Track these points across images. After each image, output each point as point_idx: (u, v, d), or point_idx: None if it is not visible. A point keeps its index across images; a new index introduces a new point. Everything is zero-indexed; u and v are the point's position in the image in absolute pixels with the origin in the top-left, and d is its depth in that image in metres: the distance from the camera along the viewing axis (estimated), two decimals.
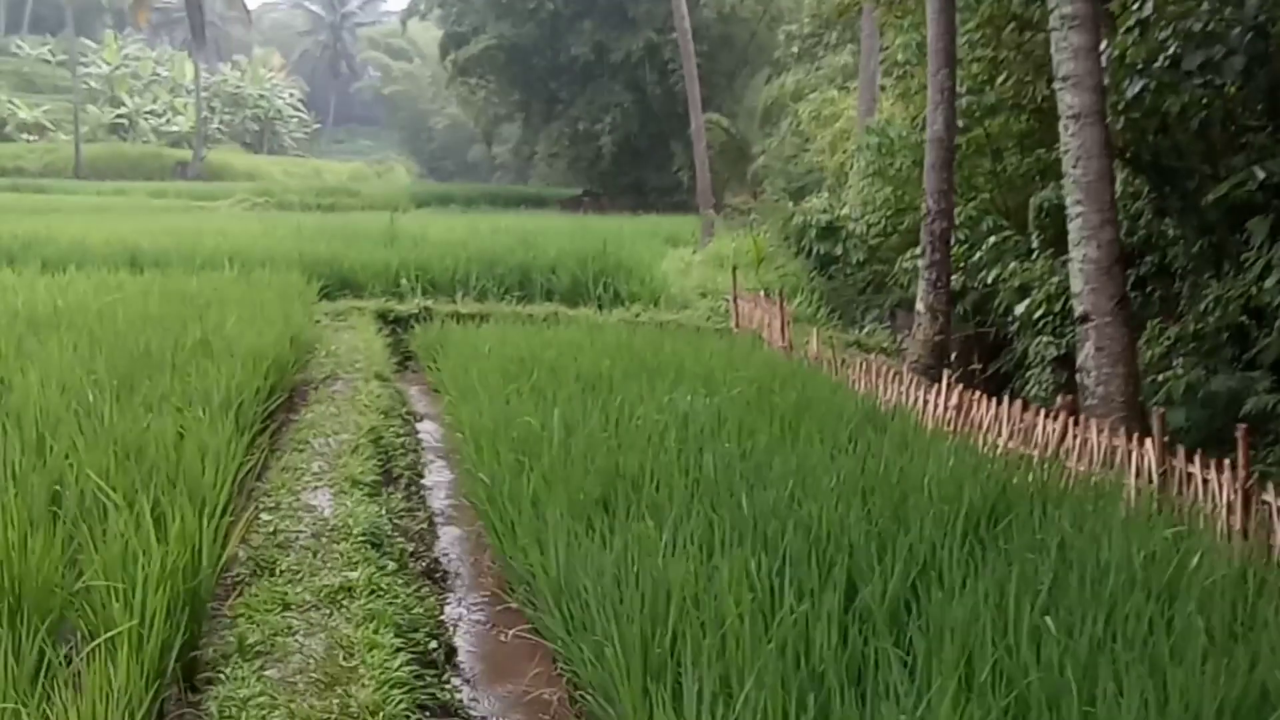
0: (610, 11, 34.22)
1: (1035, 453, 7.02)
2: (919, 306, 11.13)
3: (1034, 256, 12.89)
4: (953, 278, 12.99)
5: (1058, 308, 11.50)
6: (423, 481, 7.80)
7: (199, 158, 46.85)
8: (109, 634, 3.02)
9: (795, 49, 28.64)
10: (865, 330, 14.35)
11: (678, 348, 10.30)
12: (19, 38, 61.54)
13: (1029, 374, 12.14)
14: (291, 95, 64.19)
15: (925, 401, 8.49)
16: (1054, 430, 7.18)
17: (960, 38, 13.59)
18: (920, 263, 11.17)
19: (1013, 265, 12.84)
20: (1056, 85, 7.80)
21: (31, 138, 50.79)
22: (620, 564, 4.47)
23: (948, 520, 5.00)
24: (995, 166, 14.50)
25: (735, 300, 13.11)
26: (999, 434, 7.59)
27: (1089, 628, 3.78)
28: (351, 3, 78.21)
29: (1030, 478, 5.79)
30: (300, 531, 5.15)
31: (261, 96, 60.64)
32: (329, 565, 4.68)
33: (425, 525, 6.66)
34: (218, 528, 4.12)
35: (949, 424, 8.10)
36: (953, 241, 11.55)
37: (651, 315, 13.70)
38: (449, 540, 6.82)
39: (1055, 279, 11.67)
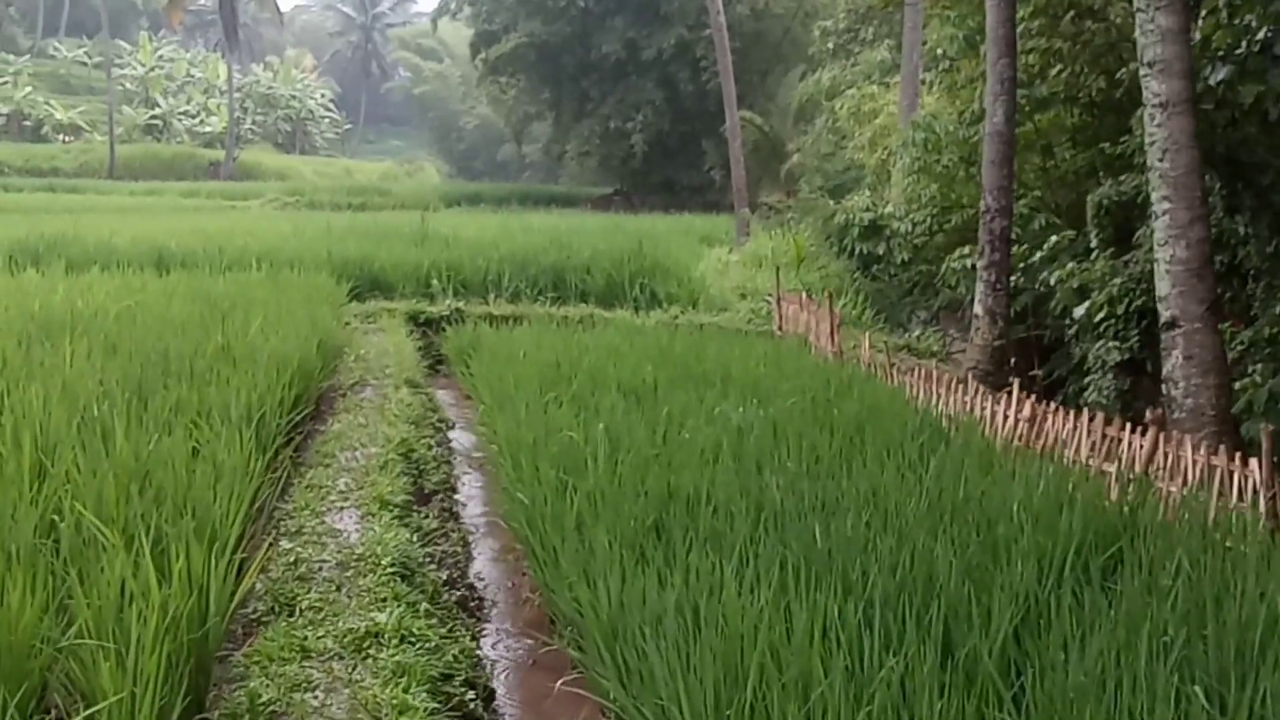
0: (642, 8, 33.66)
1: (1122, 470, 6.41)
2: (977, 309, 10.50)
3: (1093, 256, 12.18)
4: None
5: (1121, 310, 10.83)
6: (455, 496, 7.33)
7: (231, 158, 46.98)
8: (91, 710, 2.52)
9: (830, 45, 27.90)
10: (916, 334, 13.69)
11: (722, 353, 9.77)
12: (56, 40, 62.34)
13: (1087, 380, 11.47)
14: (323, 96, 64.41)
15: (992, 412, 7.87)
16: (1142, 446, 6.54)
17: None
18: (978, 263, 10.54)
19: (1070, 265, 12.13)
20: (1141, 72, 7.16)
21: (67, 139, 51.28)
22: (682, 606, 3.94)
23: (1048, 556, 4.42)
24: (1046, 162, 13.81)
25: (779, 302, 12.52)
26: (1077, 449, 6.98)
27: (1245, 696, 3.20)
28: (383, 4, 78.42)
29: (1130, 502, 5.18)
30: (323, 561, 4.67)
31: (293, 97, 60.89)
32: (355, 603, 4.20)
33: (459, 546, 6.17)
34: (230, 564, 3.64)
35: (1019, 437, 7.50)
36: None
37: (690, 318, 13.17)
38: (484, 562, 6.33)
39: (1118, 280, 10.98)
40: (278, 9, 52.50)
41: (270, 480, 5.42)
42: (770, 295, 14.99)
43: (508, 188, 40.83)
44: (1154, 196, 7.15)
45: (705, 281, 14.81)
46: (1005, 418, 7.72)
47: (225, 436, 5.13)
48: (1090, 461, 6.72)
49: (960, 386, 8.36)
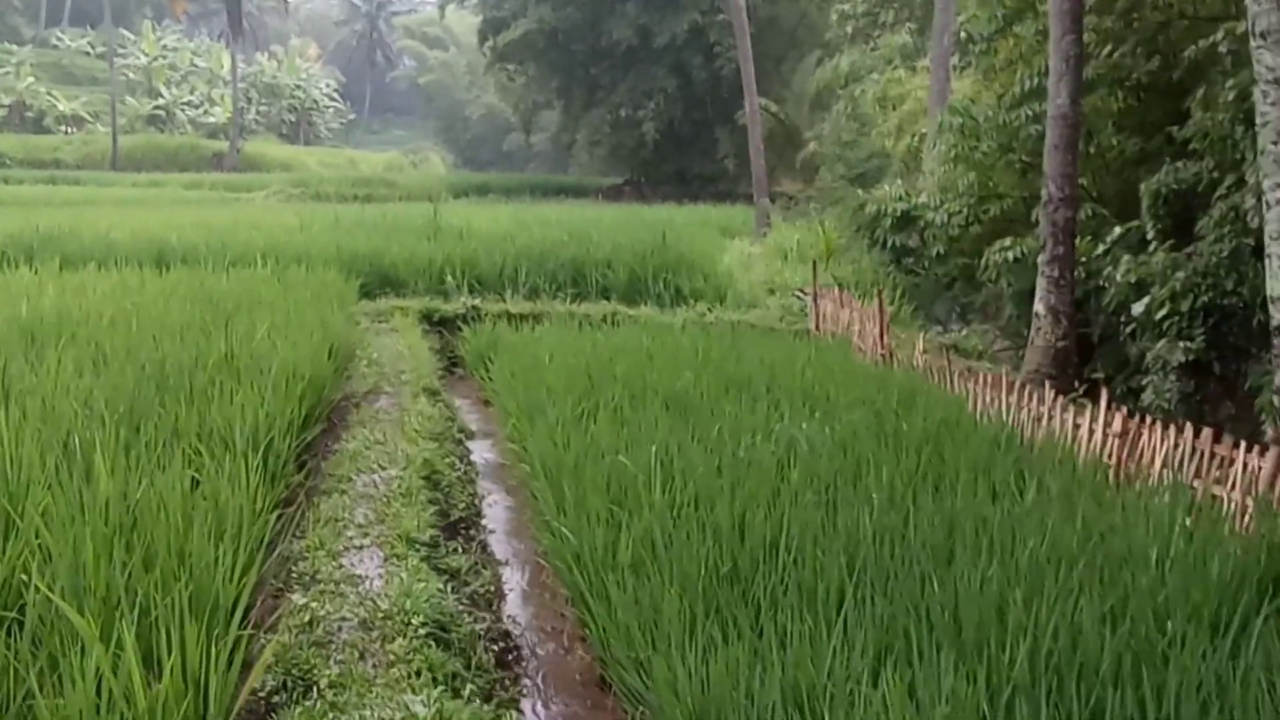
0: None
1: (1235, 495, 5.69)
2: (1038, 307, 9.75)
3: (1151, 249, 11.37)
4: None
5: (1185, 307, 10.03)
6: (482, 520, 6.63)
7: (235, 149, 46.24)
8: None
9: (849, 29, 27.06)
10: (961, 331, 12.93)
11: (762, 355, 9.07)
12: (59, 30, 61.48)
13: (1145, 381, 10.70)
14: (327, 85, 63.61)
15: (1075, 425, 7.13)
16: (1260, 468, 5.80)
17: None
18: (1040, 258, 9.78)
19: (1126, 258, 11.33)
20: (1253, 44, 6.40)
21: (70, 130, 50.52)
22: (784, 688, 3.24)
23: (1205, 620, 3.71)
24: (1088, 148, 13.03)
25: (815, 299, 11.78)
26: (1179, 467, 6.24)
27: None
28: None
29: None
30: (344, 620, 3.96)
31: (298, 87, 60.10)
32: (383, 678, 3.50)
33: (491, 584, 5.46)
34: (234, 646, 2.93)
35: (1109, 454, 6.77)
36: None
37: (719, 315, 12.44)
38: (518, 601, 5.63)
39: (1181, 274, 10.19)
40: None
41: (280, 516, 4.73)
42: (803, 291, 14.26)
43: (517, 178, 40.01)
44: (1265, 185, 6.40)
45: (732, 276, 14.07)
46: (1091, 432, 6.99)
47: (229, 467, 4.42)
48: (1195, 483, 6.01)
49: (1034, 394, 7.62)
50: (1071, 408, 7.36)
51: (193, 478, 4.33)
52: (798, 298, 13.96)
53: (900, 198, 16.04)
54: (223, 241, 12.84)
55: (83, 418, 4.67)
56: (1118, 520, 4.87)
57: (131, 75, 54.20)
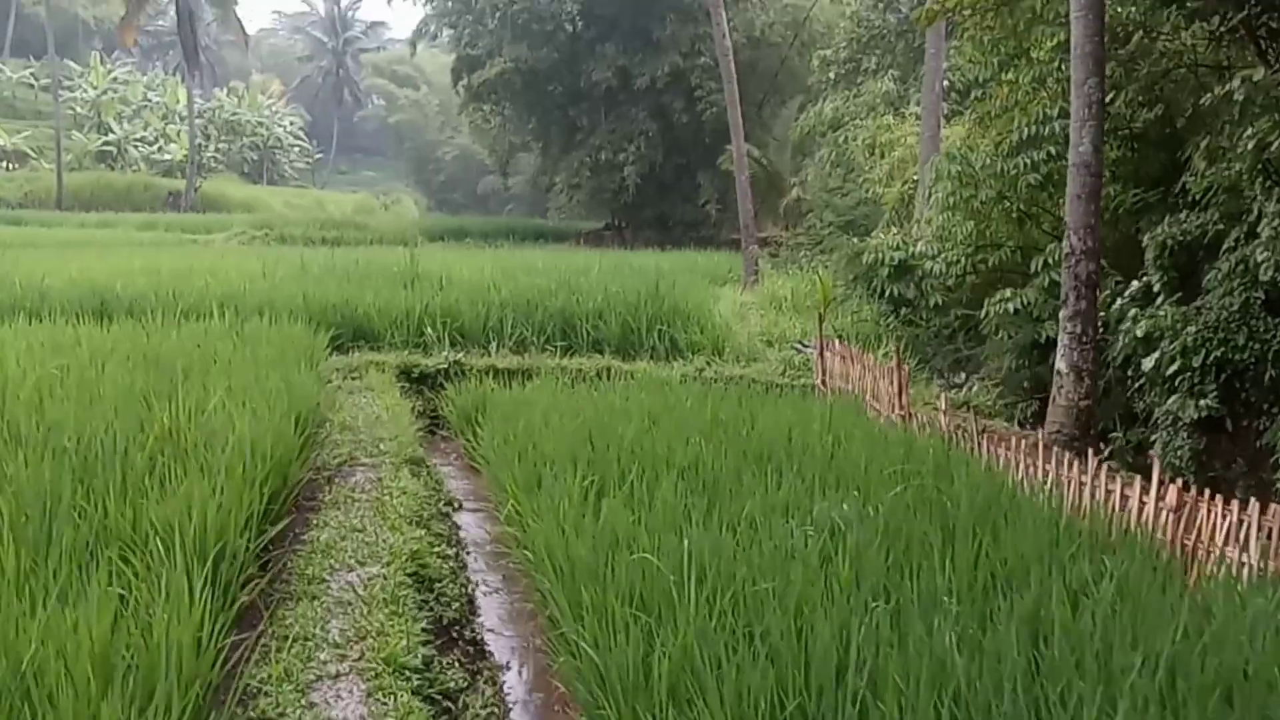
0: (634, 35, 32.38)
1: None
2: (1060, 365, 9.12)
3: (1158, 302, 10.87)
4: (1045, 324, 11.13)
5: (1196, 362, 9.54)
6: (477, 617, 5.71)
7: (193, 188, 44.69)
8: None
9: (832, 74, 26.90)
10: (972, 388, 12.27)
11: (773, 417, 8.28)
12: (0, 61, 59.27)
13: (1153, 437, 10.17)
14: (292, 123, 61.94)
15: (1122, 496, 6.45)
16: None
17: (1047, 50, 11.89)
18: (1062, 313, 9.19)
19: (1133, 311, 10.80)
20: None
21: (12, 166, 48.24)
22: None
23: None
24: None
25: (822, 353, 11.04)
26: (1237, 543, 5.60)
27: None
28: (355, 28, 76.57)
29: None
30: None
31: (260, 124, 57.99)
32: None
33: (492, 704, 4.55)
34: None
35: (1163, 529, 6.10)
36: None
37: (718, 369, 11.67)
38: None
39: (1191, 328, 9.71)
40: (243, 31, 50.59)
41: (234, 639, 3.79)
42: (803, 343, 13.55)
43: (494, 221, 39.17)
44: None
45: (730, 328, 13.34)
46: (1142, 504, 6.30)
47: (168, 585, 3.50)
48: (1259, 563, 5.37)
49: (1074, 462, 6.93)
50: (1118, 477, 6.69)
51: (118, 604, 3.39)
52: (798, 350, 13.26)
53: (897, 246, 15.50)
54: (175, 290, 11.78)
55: None
56: (1217, 627, 4.12)
57: (79, 109, 51.60)
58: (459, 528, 7.34)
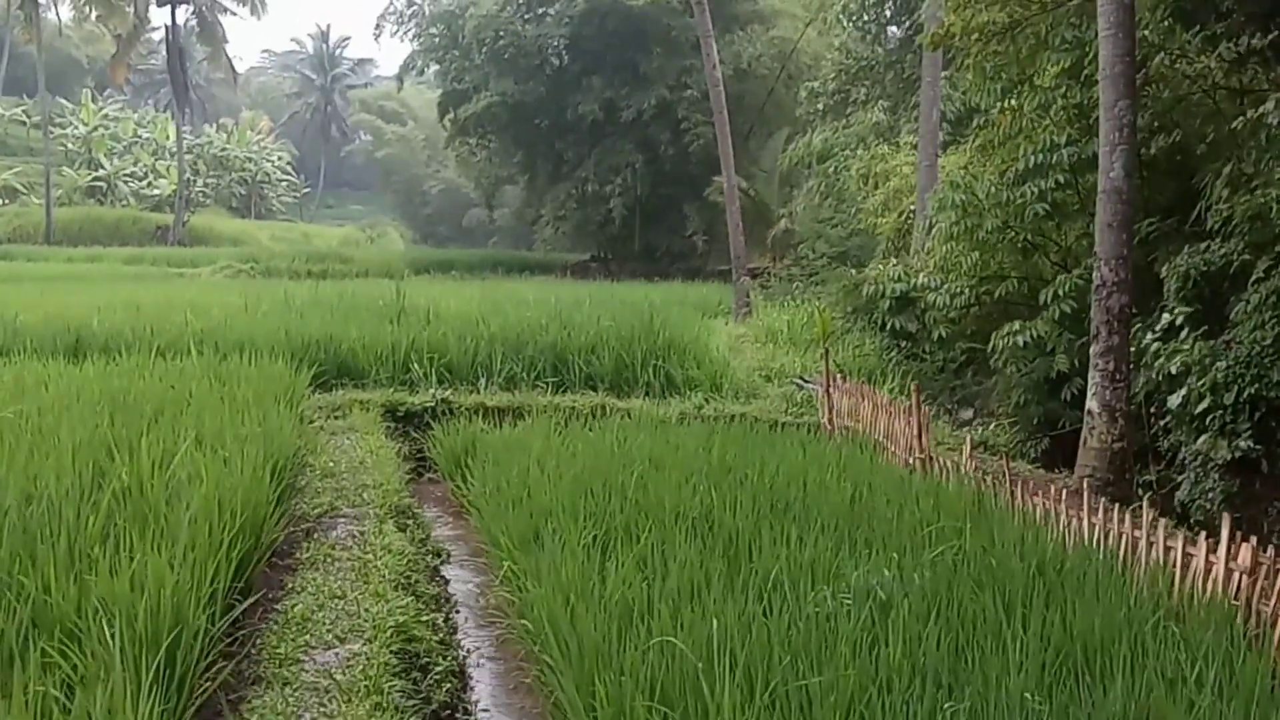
0: (620, 68, 32.28)
1: None
2: (1091, 405, 8.64)
3: (1182, 337, 10.43)
4: (1057, 358, 10.73)
5: (1228, 400, 9.08)
6: (470, 693, 5.12)
7: (181, 221, 44.31)
8: None
9: (820, 106, 26.77)
10: (975, 423, 11.80)
11: (787, 462, 7.77)
12: None
13: (1180, 478, 9.68)
14: (280, 159, 62.02)
15: (1185, 555, 5.88)
16: None
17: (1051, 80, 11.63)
18: (1093, 348, 8.73)
19: (1156, 346, 10.37)
20: None
21: (2, 201, 48.16)
22: None
23: None
24: (1091, 230, 12.31)
25: (829, 390, 10.55)
26: None
27: None
28: (342, 65, 76.95)
29: None
30: None
31: (248, 159, 58.37)
32: None
33: None
34: None
35: (1236, 590, 5.53)
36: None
37: (717, 407, 11.16)
38: None
39: (1221, 364, 9.27)
40: (232, 69, 50.53)
41: None
42: (804, 379, 13.08)
43: (480, 254, 38.78)
44: None
45: (727, 363, 12.85)
46: (1209, 565, 5.74)
47: (111, 688, 2.92)
48: None
49: (1126, 517, 6.39)
50: (1179, 533, 6.16)
51: (54, 707, 2.81)
52: (799, 386, 12.77)
53: (898, 278, 15.09)
54: (153, 325, 11.21)
55: None
56: None
57: (70, 145, 51.88)
58: (447, 581, 6.77)
